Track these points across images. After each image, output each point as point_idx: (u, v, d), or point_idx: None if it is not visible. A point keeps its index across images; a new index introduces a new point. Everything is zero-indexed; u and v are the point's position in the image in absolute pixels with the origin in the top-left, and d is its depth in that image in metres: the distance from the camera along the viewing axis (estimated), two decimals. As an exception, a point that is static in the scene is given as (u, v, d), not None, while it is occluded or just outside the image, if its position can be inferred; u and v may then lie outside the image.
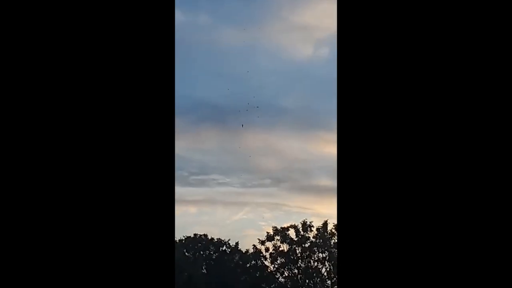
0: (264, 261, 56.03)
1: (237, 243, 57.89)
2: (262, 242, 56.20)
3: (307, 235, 55.22)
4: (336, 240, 54.24)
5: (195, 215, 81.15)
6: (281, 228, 56.10)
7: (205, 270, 56.18)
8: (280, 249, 55.44)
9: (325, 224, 55.17)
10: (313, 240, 54.83)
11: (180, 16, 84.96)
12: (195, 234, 58.66)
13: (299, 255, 54.74)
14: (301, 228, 55.35)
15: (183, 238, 58.02)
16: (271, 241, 55.99)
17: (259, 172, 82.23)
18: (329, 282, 53.87)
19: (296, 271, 54.66)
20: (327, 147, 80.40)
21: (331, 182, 75.68)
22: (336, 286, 52.70)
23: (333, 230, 54.93)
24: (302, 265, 54.65)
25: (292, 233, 55.44)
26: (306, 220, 55.74)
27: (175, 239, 56.01)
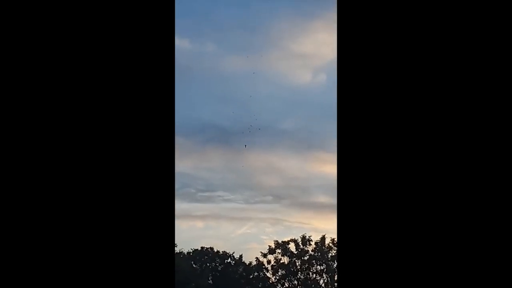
0: (266, 272, 57.54)
1: (241, 256, 59.15)
2: (264, 255, 57.70)
3: (306, 248, 56.89)
4: (333, 254, 55.91)
5: (202, 229, 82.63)
6: (282, 242, 57.77)
7: (211, 281, 57.49)
8: (281, 261, 57.06)
9: (323, 238, 56.86)
10: (312, 253, 56.52)
11: (187, 45, 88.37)
12: (202, 247, 59.87)
13: (298, 267, 56.52)
14: (300, 242, 57.09)
15: (191, 251, 59.27)
16: (272, 254, 57.56)
17: (261, 189, 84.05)
18: (326, 293, 55.58)
19: (296, 282, 56.41)
20: (324, 166, 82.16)
21: (328, 199, 77.03)
22: (333, 297, 54.92)
23: (331, 244, 56.73)
24: (302, 276, 56.40)
25: (292, 246, 57.23)
26: (305, 235, 57.41)
27: (183, 251, 58.03)
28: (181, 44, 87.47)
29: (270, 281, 57.36)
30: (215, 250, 59.71)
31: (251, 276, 57.92)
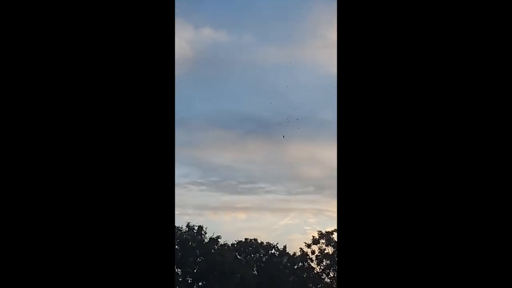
0: (310, 263, 57.61)
1: (285, 247, 59.23)
2: (308, 246, 57.77)
3: (350, 238, 56.91)
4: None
5: (244, 220, 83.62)
6: (326, 232, 57.80)
7: (255, 271, 57.89)
8: (325, 251, 57.12)
9: None
10: (356, 243, 56.40)
11: (225, 37, 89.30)
12: (246, 239, 60.29)
13: (343, 257, 56.70)
14: (344, 232, 57.29)
15: (235, 242, 59.76)
16: (316, 245, 57.63)
17: (302, 180, 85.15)
18: (372, 282, 55.41)
19: (341, 272, 56.78)
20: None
21: (372, 188, 76.50)
22: None
23: (375, 233, 56.68)
24: (347, 266, 56.50)
25: (336, 236, 56.22)
26: (349, 224, 57.46)
27: (228, 243, 58.66)
28: (219, 36, 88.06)
29: (315, 271, 57.36)
30: (259, 241, 60.01)
31: (295, 267, 57.95)
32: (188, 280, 54.83)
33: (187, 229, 56.66)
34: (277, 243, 59.70)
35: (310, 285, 56.20)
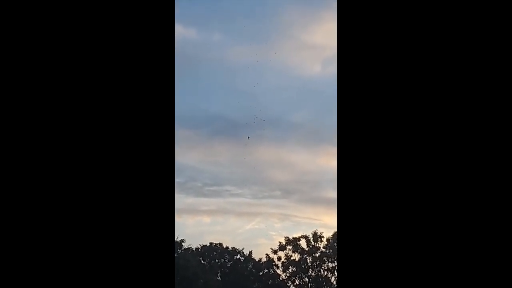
0: (276, 269, 56.66)
1: (250, 252, 58.41)
2: (275, 252, 56.79)
3: (317, 245, 55.79)
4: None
5: (209, 224, 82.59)
6: (293, 238, 56.80)
7: (220, 277, 56.67)
8: (292, 258, 56.18)
9: (335, 235, 54.89)
10: (323, 250, 55.39)
11: (194, 35, 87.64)
12: (210, 243, 59.11)
13: (309, 264, 55.43)
14: (312, 239, 56.12)
15: (199, 247, 58.53)
16: (283, 251, 56.63)
17: (269, 184, 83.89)
18: (338, 290, 55.03)
19: (306, 279, 55.40)
20: (335, 161, 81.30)
21: (340, 194, 76.31)
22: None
23: (343, 241, 56.29)
24: (313, 274, 55.39)
25: (303, 243, 56.27)
26: (316, 231, 56.26)
27: (192, 247, 57.02)
28: (188, 34, 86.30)
29: (280, 278, 56.40)
30: (224, 246, 58.97)
31: (260, 273, 57.03)
32: (149, 285, 52.87)
33: (150, 231, 54.68)
34: (243, 248, 59.00)
35: (275, 292, 55.15)
